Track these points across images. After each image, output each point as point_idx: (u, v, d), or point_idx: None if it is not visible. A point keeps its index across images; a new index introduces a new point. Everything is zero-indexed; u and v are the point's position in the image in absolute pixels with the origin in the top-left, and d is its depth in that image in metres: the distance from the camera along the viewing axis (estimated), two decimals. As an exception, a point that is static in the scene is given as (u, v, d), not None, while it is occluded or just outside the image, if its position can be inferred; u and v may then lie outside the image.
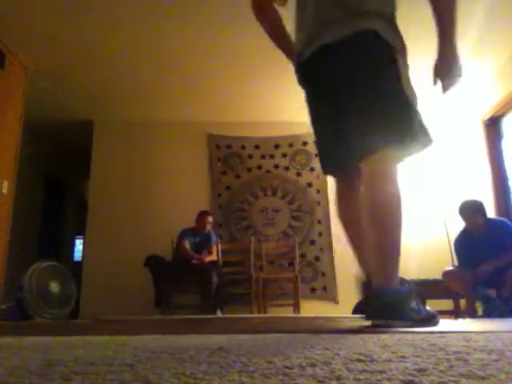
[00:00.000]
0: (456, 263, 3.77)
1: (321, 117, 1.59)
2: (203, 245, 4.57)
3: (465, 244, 3.63)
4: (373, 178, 1.40)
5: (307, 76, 1.57)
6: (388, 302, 1.29)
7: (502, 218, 3.71)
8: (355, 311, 2.42)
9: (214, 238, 4.66)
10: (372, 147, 1.40)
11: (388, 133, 1.39)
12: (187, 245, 4.44)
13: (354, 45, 1.41)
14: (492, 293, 3.51)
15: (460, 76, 1.51)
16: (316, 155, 5.47)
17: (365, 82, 1.42)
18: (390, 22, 1.48)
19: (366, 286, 1.49)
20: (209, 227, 4.60)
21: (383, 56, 1.43)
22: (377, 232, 1.36)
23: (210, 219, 4.62)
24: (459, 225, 3.75)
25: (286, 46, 1.74)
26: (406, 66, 1.52)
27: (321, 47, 1.44)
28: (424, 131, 1.44)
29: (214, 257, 4.55)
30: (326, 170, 1.70)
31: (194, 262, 4.33)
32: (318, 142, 1.68)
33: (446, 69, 1.51)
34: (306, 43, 1.50)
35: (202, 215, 4.61)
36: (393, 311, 1.29)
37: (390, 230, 1.36)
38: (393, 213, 1.37)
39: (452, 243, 3.86)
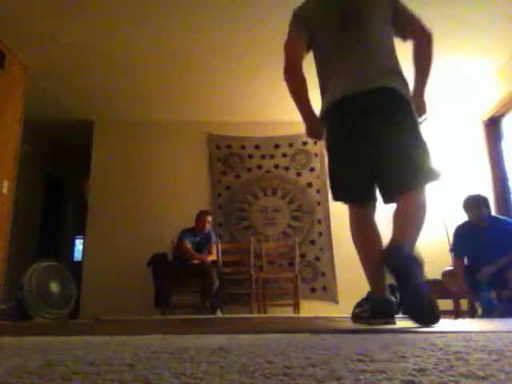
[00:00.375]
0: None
1: (354, 148, 1.77)
2: (203, 244, 4.57)
3: (465, 234, 3.60)
4: (410, 206, 1.70)
5: (354, 108, 1.76)
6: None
7: (507, 218, 3.70)
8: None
9: (213, 237, 4.66)
10: (410, 184, 1.69)
11: (423, 172, 1.73)
12: (188, 245, 4.44)
13: (401, 94, 1.76)
14: (492, 294, 3.51)
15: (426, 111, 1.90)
16: (316, 155, 5.49)
17: (410, 126, 1.75)
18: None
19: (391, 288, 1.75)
20: (208, 227, 4.60)
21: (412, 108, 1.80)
22: (414, 220, 1.68)
23: (210, 219, 4.63)
24: (459, 223, 3.75)
25: (306, 104, 1.93)
26: None
27: (379, 88, 1.74)
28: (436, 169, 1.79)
29: (213, 257, 4.55)
30: (347, 196, 1.86)
31: (195, 262, 4.34)
32: (341, 171, 1.83)
33: (424, 103, 1.88)
34: (358, 82, 1.76)
35: (202, 215, 4.61)
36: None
37: (421, 222, 1.68)
38: (423, 217, 1.69)
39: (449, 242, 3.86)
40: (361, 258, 1.81)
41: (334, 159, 1.85)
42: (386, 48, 1.87)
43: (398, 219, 1.69)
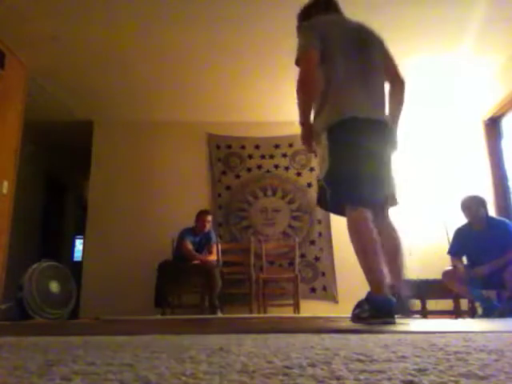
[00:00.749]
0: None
1: (377, 160, 2.00)
2: (203, 244, 4.58)
3: (462, 234, 3.64)
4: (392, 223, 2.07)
5: (369, 128, 1.98)
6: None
7: (504, 219, 3.70)
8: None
9: (214, 237, 4.66)
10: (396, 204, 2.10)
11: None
12: (189, 245, 4.45)
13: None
14: (492, 294, 3.51)
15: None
16: (316, 155, 5.48)
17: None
18: None
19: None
20: (208, 226, 4.61)
21: None
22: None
23: (210, 218, 4.63)
24: (459, 225, 3.75)
25: (310, 112, 2.09)
26: None
27: (381, 120, 2.01)
28: None
29: (214, 256, 4.55)
30: (368, 199, 1.96)
31: (196, 262, 4.34)
32: (367, 178, 1.96)
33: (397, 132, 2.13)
34: (370, 107, 1.99)
35: (202, 215, 4.61)
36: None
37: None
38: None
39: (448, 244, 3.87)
40: (364, 259, 1.86)
41: (361, 164, 1.95)
42: (383, 82, 2.13)
43: (395, 251, 1.99)
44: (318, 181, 2.20)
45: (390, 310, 1.74)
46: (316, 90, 2.01)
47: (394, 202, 2.06)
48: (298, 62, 2.02)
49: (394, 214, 2.12)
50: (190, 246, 4.43)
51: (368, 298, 1.81)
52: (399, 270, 1.93)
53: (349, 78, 2.00)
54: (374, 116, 1.98)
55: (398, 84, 2.16)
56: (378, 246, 1.85)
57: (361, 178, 1.93)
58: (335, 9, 2.23)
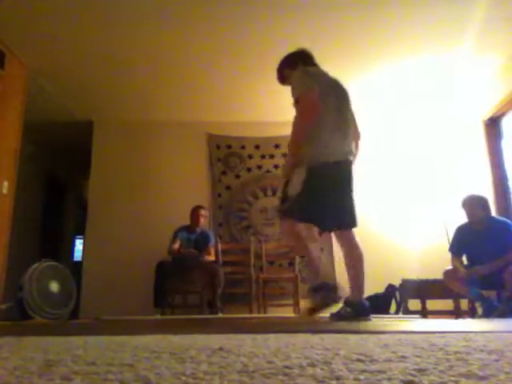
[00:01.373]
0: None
1: (341, 195, 2.47)
2: (200, 243, 4.54)
3: (463, 233, 3.65)
4: (352, 240, 2.53)
5: (345, 171, 2.48)
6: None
7: (505, 219, 3.70)
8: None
9: (211, 238, 4.63)
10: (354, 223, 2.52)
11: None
12: (176, 245, 4.45)
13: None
14: (492, 294, 3.51)
15: None
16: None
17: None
18: None
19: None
20: (203, 221, 4.59)
21: None
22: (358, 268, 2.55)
23: (203, 212, 4.62)
24: (460, 223, 3.75)
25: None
26: None
27: (350, 161, 2.52)
28: None
29: (212, 257, 4.53)
30: (333, 226, 2.55)
31: (201, 259, 4.33)
32: (320, 213, 2.39)
33: None
34: (348, 152, 2.50)
35: (195, 209, 4.62)
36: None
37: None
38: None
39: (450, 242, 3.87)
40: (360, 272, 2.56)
41: (320, 203, 2.38)
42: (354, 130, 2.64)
43: (354, 266, 2.57)
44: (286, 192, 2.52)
45: (368, 310, 2.47)
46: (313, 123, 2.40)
47: (349, 226, 2.50)
48: (299, 100, 2.41)
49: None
50: (176, 246, 4.44)
51: (349, 302, 2.46)
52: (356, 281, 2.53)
53: (336, 126, 2.45)
54: (349, 158, 2.50)
55: (357, 134, 2.67)
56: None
57: (316, 212, 2.37)
58: (314, 62, 2.68)
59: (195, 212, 4.61)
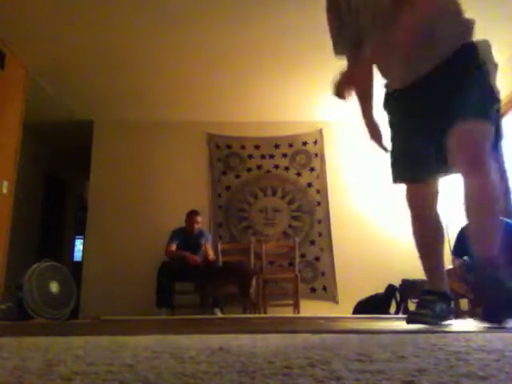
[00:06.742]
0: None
1: (418, 131, 1.85)
2: (198, 245, 4.55)
3: (464, 234, 3.65)
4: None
5: (413, 96, 1.86)
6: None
7: (506, 220, 3.70)
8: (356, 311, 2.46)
9: (207, 236, 4.66)
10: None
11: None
12: (173, 247, 4.45)
13: None
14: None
15: None
16: (316, 155, 5.49)
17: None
18: None
19: None
20: (197, 227, 4.60)
21: None
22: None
23: (199, 219, 4.62)
24: (459, 225, 3.75)
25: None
26: None
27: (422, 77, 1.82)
28: None
29: (211, 254, 4.53)
30: (409, 176, 1.94)
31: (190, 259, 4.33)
32: (404, 154, 1.93)
33: None
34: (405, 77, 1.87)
35: (191, 215, 4.61)
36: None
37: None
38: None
39: (452, 243, 3.87)
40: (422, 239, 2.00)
41: (402, 143, 2.02)
42: None
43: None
44: None
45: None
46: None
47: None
48: None
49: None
50: (172, 248, 4.44)
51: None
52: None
53: None
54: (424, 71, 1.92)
55: None
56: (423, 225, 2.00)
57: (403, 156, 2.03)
58: None
59: (191, 218, 4.59)
